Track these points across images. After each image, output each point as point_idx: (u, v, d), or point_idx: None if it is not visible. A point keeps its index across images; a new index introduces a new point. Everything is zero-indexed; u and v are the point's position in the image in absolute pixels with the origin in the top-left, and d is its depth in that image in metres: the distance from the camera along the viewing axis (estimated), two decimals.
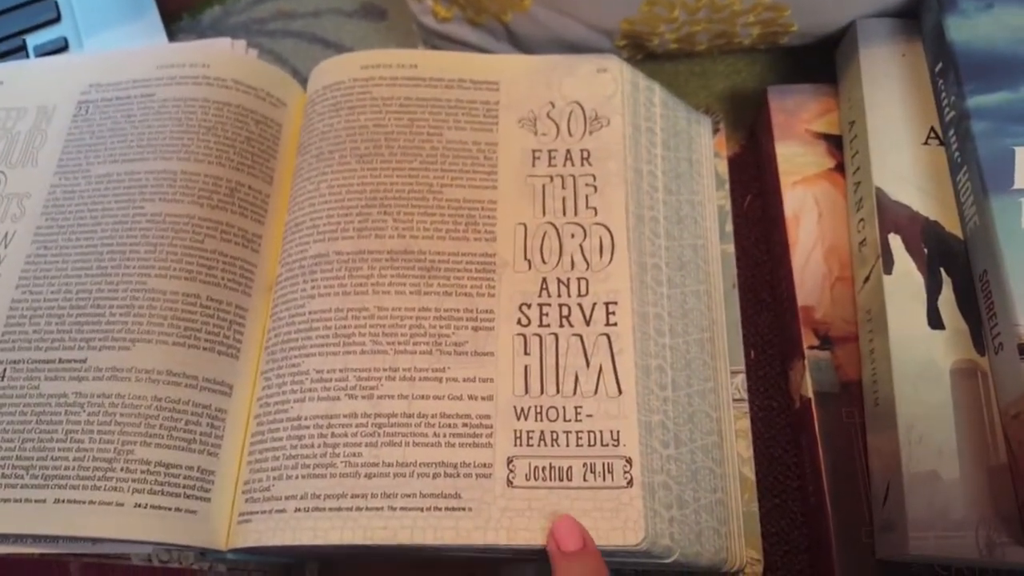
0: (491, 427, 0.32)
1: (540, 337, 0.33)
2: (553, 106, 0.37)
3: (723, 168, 0.40)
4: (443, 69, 0.38)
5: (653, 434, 0.32)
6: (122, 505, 0.31)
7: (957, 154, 0.35)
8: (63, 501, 0.31)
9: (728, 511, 0.34)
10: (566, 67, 0.38)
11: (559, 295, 0.34)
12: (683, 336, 0.35)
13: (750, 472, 0.35)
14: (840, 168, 0.39)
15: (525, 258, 0.35)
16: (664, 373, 0.34)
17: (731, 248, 0.39)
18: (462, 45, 0.41)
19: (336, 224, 0.35)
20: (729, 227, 0.39)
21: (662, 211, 0.37)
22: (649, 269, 0.35)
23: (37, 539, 0.31)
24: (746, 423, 0.36)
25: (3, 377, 0.33)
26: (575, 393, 0.32)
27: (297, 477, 0.31)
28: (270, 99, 0.39)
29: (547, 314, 0.34)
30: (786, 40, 0.41)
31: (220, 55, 0.40)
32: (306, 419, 0.32)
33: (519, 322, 0.33)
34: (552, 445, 0.31)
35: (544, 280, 0.34)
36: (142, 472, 0.31)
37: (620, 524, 0.30)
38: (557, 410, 0.32)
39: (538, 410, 0.32)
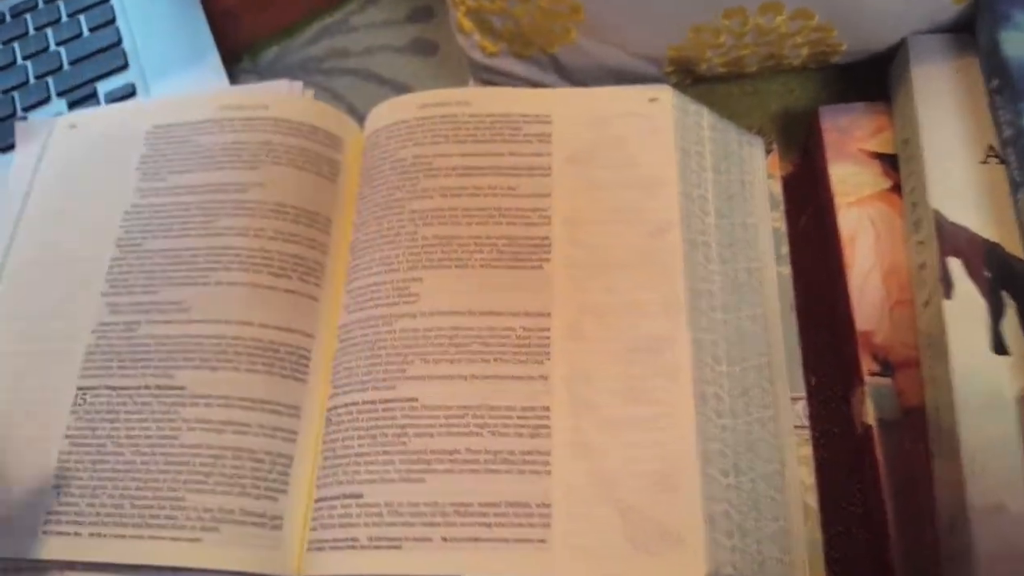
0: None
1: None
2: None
3: (777, 189, 0.40)
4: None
5: (711, 463, 0.32)
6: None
7: (1016, 173, 0.34)
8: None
9: (791, 540, 0.34)
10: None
11: None
12: (740, 363, 0.35)
13: (813, 500, 0.35)
14: (896, 188, 0.38)
15: None
16: (721, 401, 0.34)
17: (787, 270, 0.39)
18: (510, 77, 0.42)
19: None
20: (785, 249, 0.39)
21: (714, 235, 0.37)
22: (703, 295, 0.35)
23: (119, 568, 0.33)
24: (808, 450, 0.36)
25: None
26: None
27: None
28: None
29: None
30: (837, 59, 0.41)
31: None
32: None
33: None
34: None
35: None
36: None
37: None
38: None
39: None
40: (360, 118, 0.42)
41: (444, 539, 0.31)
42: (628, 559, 0.31)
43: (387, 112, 0.40)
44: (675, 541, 0.31)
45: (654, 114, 0.38)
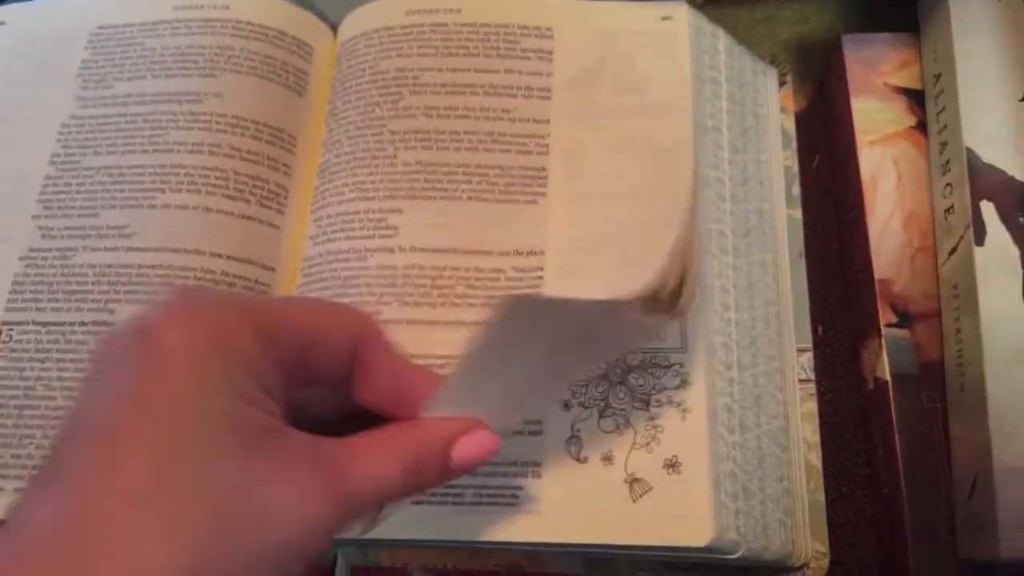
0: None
1: None
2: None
3: (790, 125, 0.37)
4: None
5: (718, 419, 0.29)
6: None
7: None
8: None
9: (794, 501, 0.32)
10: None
11: None
12: (748, 311, 0.32)
13: (816, 459, 0.33)
14: (921, 126, 0.35)
15: None
16: (729, 352, 0.31)
17: (798, 213, 0.36)
18: None
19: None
20: (796, 190, 0.36)
21: (727, 171, 0.33)
22: (714, 236, 0.32)
23: None
24: (812, 405, 0.33)
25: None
26: None
27: None
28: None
29: None
30: None
31: None
32: None
33: None
34: None
35: None
36: None
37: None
38: None
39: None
40: (331, 26, 0.37)
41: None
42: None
43: (366, 17, 0.35)
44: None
45: (667, 33, 0.34)
